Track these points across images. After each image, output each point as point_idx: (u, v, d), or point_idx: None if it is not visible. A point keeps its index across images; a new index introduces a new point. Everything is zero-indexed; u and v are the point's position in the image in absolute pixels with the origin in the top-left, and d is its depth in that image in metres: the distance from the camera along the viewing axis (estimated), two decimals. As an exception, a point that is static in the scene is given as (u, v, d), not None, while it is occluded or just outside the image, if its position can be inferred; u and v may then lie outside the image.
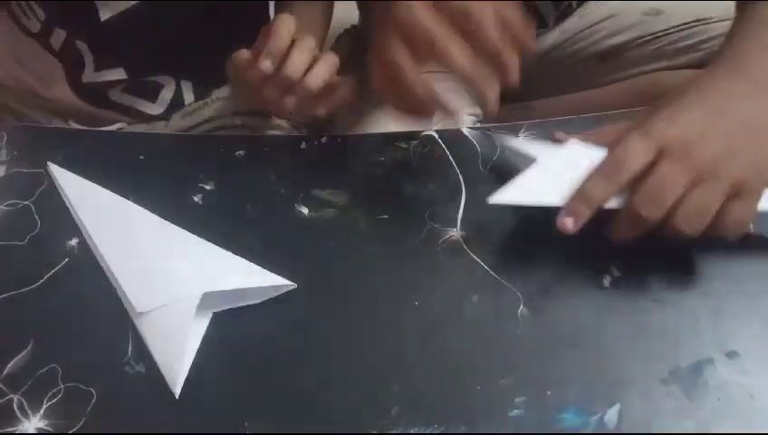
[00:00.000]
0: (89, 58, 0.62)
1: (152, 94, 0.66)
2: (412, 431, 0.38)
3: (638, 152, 0.41)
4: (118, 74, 0.63)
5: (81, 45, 0.61)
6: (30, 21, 0.62)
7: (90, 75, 0.63)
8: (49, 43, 0.62)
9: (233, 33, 0.66)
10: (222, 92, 0.70)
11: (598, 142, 0.45)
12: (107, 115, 0.66)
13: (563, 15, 0.79)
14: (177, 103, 0.67)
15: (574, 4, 0.78)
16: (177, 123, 0.69)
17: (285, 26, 0.52)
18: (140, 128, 0.68)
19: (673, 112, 0.43)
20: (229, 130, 0.69)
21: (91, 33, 0.61)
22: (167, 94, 0.66)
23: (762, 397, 0.39)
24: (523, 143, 0.51)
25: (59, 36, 0.62)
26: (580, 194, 0.43)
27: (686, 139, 0.41)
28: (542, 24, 0.79)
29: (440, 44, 0.42)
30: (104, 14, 0.59)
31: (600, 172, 0.42)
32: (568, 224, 0.42)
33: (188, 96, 0.67)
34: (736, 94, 0.43)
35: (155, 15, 0.60)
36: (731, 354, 0.41)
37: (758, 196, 0.42)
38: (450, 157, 0.54)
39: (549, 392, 0.39)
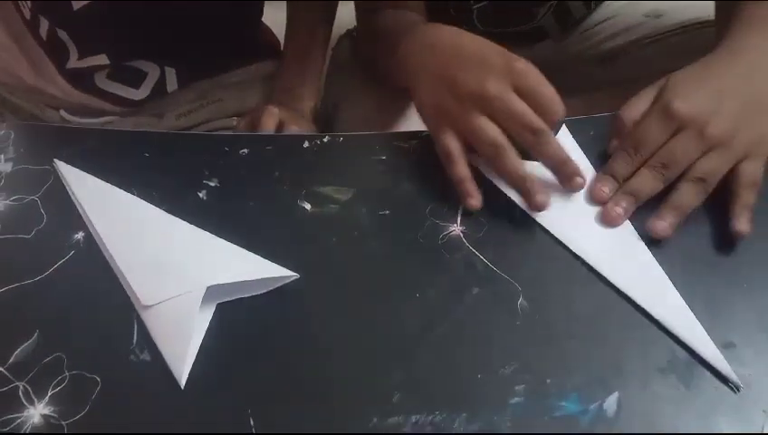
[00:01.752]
0: (72, 47, 0.63)
1: (136, 81, 0.67)
2: (413, 418, 0.38)
3: (657, 131, 0.47)
4: (101, 60, 0.64)
5: (62, 34, 0.62)
6: (24, 9, 0.63)
7: (74, 63, 0.64)
8: (38, 33, 0.63)
9: (215, 21, 0.67)
10: (217, 94, 0.71)
11: (625, 117, 0.50)
12: (94, 103, 0.67)
13: (569, 25, 0.80)
14: (159, 89, 0.68)
15: (572, 8, 0.79)
16: (173, 124, 0.69)
17: (271, 119, 0.62)
18: (132, 122, 0.68)
19: (687, 93, 0.48)
20: (226, 132, 0.70)
21: (68, 21, 0.62)
22: (150, 81, 0.67)
23: (757, 386, 0.39)
24: None
25: (45, 25, 0.62)
26: (608, 173, 0.49)
27: (700, 116, 0.46)
28: (544, 38, 0.80)
29: (500, 151, 0.48)
30: (76, 4, 0.60)
31: (624, 152, 0.48)
32: (615, 213, 0.48)
33: (171, 83, 0.68)
34: (736, 77, 0.49)
35: (127, 2, 0.61)
36: (727, 345, 0.41)
37: (764, 158, 0.47)
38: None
39: (548, 381, 0.40)
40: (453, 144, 0.50)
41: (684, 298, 0.44)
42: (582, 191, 0.50)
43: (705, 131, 0.46)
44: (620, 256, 0.46)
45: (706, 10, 0.74)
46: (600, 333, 0.42)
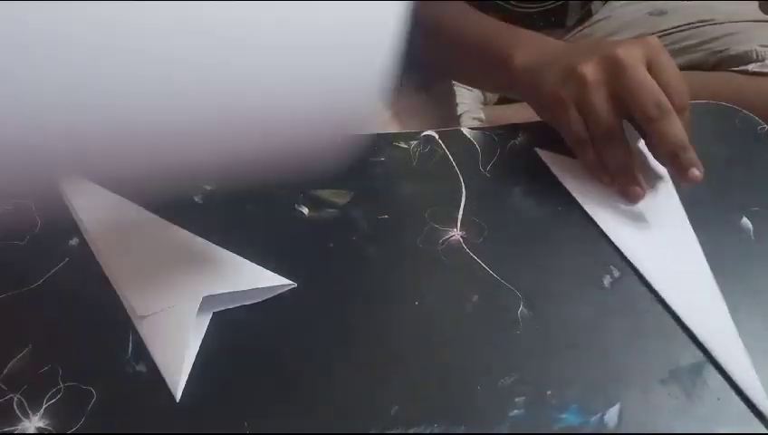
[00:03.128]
0: None
1: None
2: (411, 431, 0.38)
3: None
4: None
5: None
6: None
7: None
8: None
9: None
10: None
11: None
12: None
13: (583, 18, 0.79)
14: None
15: (593, 6, 0.79)
16: None
17: None
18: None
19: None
20: None
21: None
22: None
23: (761, 397, 0.39)
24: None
25: None
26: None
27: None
28: (561, 24, 0.79)
29: (613, 136, 0.49)
30: None
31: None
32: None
33: None
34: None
35: None
36: (731, 354, 0.41)
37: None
38: (450, 157, 0.54)
39: (549, 392, 0.39)
40: (579, 125, 0.49)
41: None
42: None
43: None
44: (676, 270, 0.45)
45: (709, 9, 0.73)
46: (601, 343, 0.42)
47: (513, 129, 0.57)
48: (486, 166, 0.53)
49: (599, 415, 0.38)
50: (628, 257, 0.46)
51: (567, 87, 0.49)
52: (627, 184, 0.49)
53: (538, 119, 0.58)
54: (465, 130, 0.57)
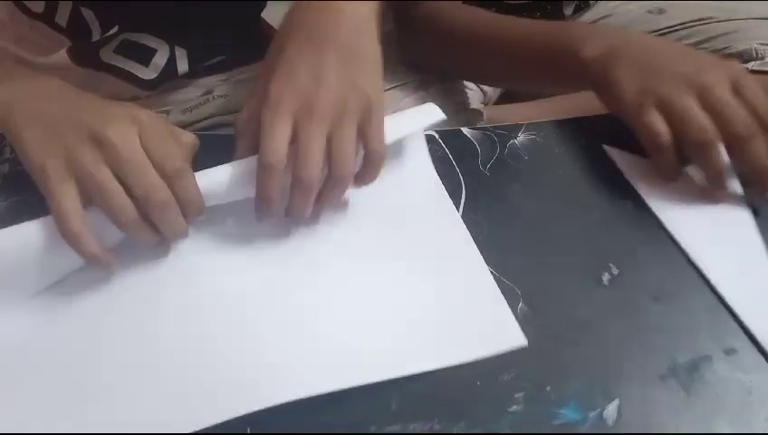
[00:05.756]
0: (95, 26, 0.61)
1: (145, 58, 0.65)
2: (411, 427, 0.38)
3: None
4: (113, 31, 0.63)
5: (88, 14, 0.61)
6: (33, 2, 0.61)
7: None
8: (55, 22, 0.62)
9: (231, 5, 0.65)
10: (223, 90, 0.70)
11: None
12: (100, 80, 0.65)
13: (578, 9, 0.79)
14: (169, 71, 0.66)
15: (591, 3, 0.79)
16: (178, 118, 0.69)
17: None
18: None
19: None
20: (230, 128, 0.69)
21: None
22: (160, 59, 0.65)
23: (759, 392, 0.39)
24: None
25: (64, 10, 0.61)
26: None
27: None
28: (559, 15, 0.79)
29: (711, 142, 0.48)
30: None
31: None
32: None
33: (182, 64, 0.66)
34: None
35: None
36: (729, 351, 0.41)
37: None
38: (450, 156, 0.54)
39: (548, 388, 0.39)
40: (661, 124, 0.49)
41: (684, 302, 0.44)
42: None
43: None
44: (742, 273, 0.45)
45: (709, 7, 0.73)
46: (600, 339, 0.42)
47: (513, 128, 0.57)
48: (486, 165, 0.54)
49: (598, 410, 0.38)
50: (694, 260, 0.46)
51: (650, 85, 0.49)
52: (722, 190, 0.49)
53: (538, 119, 0.58)
54: (465, 130, 0.57)
